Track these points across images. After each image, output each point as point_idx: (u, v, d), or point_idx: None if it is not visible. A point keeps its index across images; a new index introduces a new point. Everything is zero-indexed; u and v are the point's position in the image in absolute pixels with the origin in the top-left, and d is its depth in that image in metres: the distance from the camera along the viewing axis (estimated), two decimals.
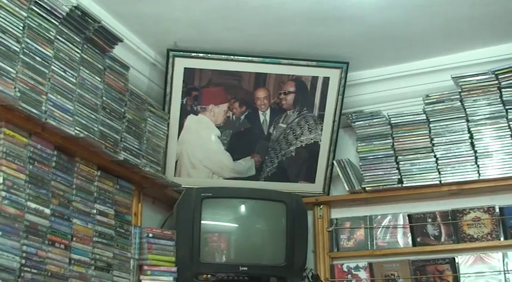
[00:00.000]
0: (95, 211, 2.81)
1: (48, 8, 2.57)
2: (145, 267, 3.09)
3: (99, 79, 2.90)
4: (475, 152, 3.42)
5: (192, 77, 3.55)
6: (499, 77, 3.42)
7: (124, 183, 3.06)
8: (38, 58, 2.51)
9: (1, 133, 2.36)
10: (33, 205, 2.43)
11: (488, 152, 3.40)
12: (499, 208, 3.46)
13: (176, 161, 3.62)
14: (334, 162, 3.74)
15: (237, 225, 3.57)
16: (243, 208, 3.58)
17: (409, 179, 3.54)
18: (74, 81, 2.71)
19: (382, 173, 3.60)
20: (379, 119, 3.69)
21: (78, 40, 2.77)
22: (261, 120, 3.71)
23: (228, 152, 3.70)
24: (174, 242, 3.25)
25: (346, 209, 3.80)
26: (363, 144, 3.69)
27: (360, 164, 3.67)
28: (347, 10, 3.15)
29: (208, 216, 3.41)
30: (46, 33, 2.57)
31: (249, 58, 3.52)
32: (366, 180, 3.63)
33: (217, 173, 3.71)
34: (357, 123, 3.73)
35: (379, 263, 3.60)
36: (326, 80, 3.63)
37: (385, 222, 3.67)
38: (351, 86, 3.73)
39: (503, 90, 3.42)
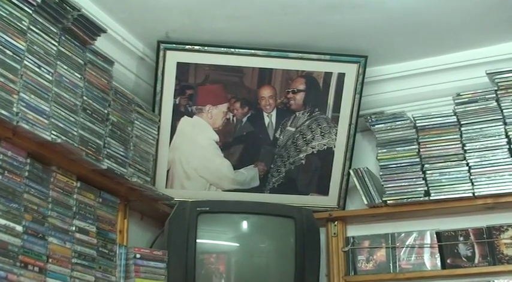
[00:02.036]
0: (74, 228, 2.81)
1: None
2: None
3: (79, 76, 2.90)
4: None
5: (186, 73, 3.55)
6: None
7: (107, 196, 3.07)
8: (8, 52, 2.51)
9: None
10: (2, 221, 2.42)
11: None
12: None
13: (168, 171, 3.63)
14: (351, 171, 3.74)
15: (238, 245, 3.57)
16: (245, 225, 3.59)
17: (437, 191, 3.54)
18: (50, 78, 2.72)
19: (406, 184, 3.60)
20: (402, 122, 3.70)
21: (55, 31, 2.77)
22: (266, 123, 3.71)
23: (228, 160, 3.70)
24: (166, 263, 3.25)
25: (364, 226, 3.81)
26: (384, 150, 3.69)
27: (381, 173, 3.67)
28: None
29: (204, 234, 3.42)
30: (18, 23, 2.57)
31: (252, 51, 3.53)
32: (387, 193, 3.63)
33: (215, 184, 3.72)
34: (376, 126, 3.74)
35: None
36: (341, 77, 3.63)
37: (410, 241, 3.67)
38: (369, 83, 3.74)
39: None
